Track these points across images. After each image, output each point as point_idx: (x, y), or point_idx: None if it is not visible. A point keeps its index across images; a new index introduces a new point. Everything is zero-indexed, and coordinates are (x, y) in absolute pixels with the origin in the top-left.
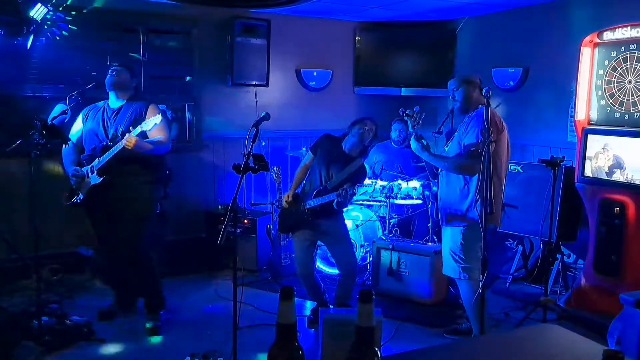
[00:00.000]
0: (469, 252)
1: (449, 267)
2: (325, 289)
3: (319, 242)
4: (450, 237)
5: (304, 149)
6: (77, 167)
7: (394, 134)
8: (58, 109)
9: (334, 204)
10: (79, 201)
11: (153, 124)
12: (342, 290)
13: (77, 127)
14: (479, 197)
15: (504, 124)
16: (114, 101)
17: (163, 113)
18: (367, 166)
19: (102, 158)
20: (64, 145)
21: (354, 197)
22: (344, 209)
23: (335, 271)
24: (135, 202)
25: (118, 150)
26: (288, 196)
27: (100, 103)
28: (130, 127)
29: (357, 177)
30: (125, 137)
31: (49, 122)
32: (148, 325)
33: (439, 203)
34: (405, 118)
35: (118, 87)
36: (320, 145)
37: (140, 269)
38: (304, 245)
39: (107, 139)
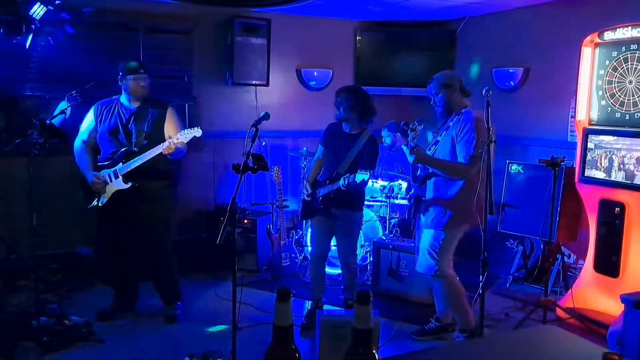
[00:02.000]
0: (446, 251)
1: (425, 265)
2: (325, 291)
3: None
4: (432, 236)
5: (305, 148)
6: (97, 173)
7: (384, 140)
8: (61, 106)
9: (342, 187)
10: (100, 205)
11: (192, 136)
12: (346, 287)
13: (88, 123)
14: (467, 197)
15: (491, 127)
16: (127, 101)
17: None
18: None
19: (128, 163)
20: (74, 143)
21: (365, 175)
22: (363, 203)
23: (337, 271)
24: (159, 205)
25: (152, 157)
26: (306, 189)
27: (112, 99)
28: (170, 136)
29: (369, 152)
30: (165, 145)
31: (48, 122)
32: (167, 313)
33: (425, 204)
34: (410, 133)
35: (144, 96)
36: (326, 136)
37: (164, 265)
38: (319, 231)
39: (129, 144)
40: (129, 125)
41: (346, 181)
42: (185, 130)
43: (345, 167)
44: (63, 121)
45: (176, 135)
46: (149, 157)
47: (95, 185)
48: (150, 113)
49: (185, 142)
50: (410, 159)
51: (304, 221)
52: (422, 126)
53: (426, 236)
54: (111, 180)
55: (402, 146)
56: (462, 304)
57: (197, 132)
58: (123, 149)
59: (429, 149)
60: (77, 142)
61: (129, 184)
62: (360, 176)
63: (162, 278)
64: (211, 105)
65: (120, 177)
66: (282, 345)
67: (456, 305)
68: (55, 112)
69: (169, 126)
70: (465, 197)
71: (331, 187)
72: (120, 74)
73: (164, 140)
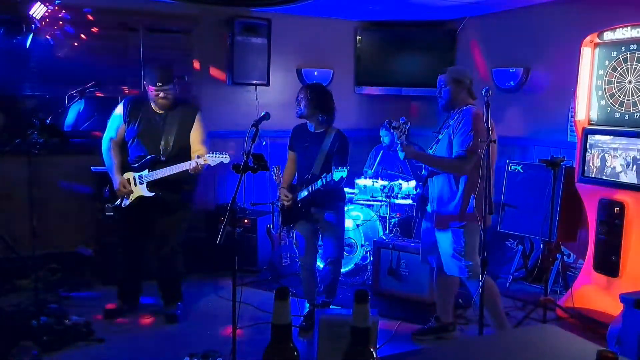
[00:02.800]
0: (472, 248)
1: (454, 267)
2: (320, 292)
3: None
4: (452, 238)
5: None
6: (124, 180)
7: (383, 139)
8: (75, 108)
9: (321, 187)
10: (123, 207)
11: (219, 162)
12: (327, 287)
13: (117, 121)
14: (472, 195)
15: (493, 123)
16: (154, 106)
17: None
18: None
19: (153, 172)
20: (102, 140)
21: (342, 173)
22: (346, 202)
23: None
24: (179, 213)
25: (177, 172)
26: (285, 195)
27: (142, 98)
28: (197, 158)
29: (339, 149)
30: (192, 165)
31: (48, 121)
32: (168, 313)
33: (432, 206)
34: (392, 130)
35: (168, 106)
36: (293, 139)
37: (172, 266)
38: (305, 235)
39: (157, 152)
40: (158, 131)
41: (324, 181)
42: (214, 154)
43: (319, 167)
44: (77, 116)
45: (204, 156)
46: (173, 172)
47: (119, 192)
48: (179, 119)
49: (212, 165)
50: (401, 155)
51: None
52: (408, 124)
53: (444, 240)
54: (136, 184)
55: (399, 150)
56: (499, 306)
57: (225, 158)
58: (150, 156)
59: (431, 148)
60: (105, 140)
61: (153, 193)
62: (337, 174)
63: (168, 278)
64: (211, 105)
65: (145, 183)
66: (280, 344)
67: (493, 307)
68: (70, 113)
69: (195, 133)
70: (470, 195)
71: (309, 189)
72: (145, 81)
73: (189, 147)
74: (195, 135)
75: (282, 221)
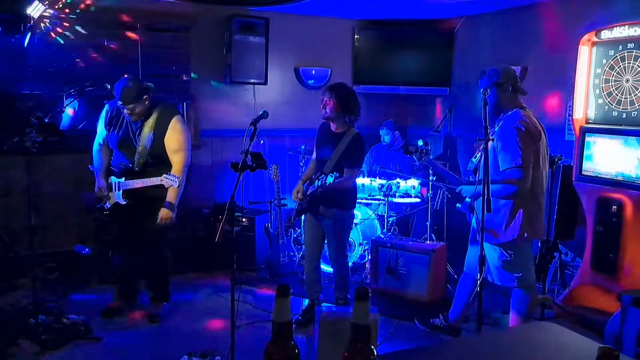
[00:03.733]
0: (519, 262)
1: (503, 278)
2: (322, 289)
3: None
4: (499, 251)
5: (303, 147)
6: (104, 185)
7: (383, 138)
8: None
9: (319, 187)
10: (106, 208)
11: (170, 185)
12: (337, 286)
13: (100, 128)
14: (519, 210)
15: (543, 130)
16: None
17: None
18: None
19: (127, 182)
20: (93, 143)
21: (330, 178)
22: (354, 202)
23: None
24: (153, 223)
25: (147, 185)
26: (296, 190)
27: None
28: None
29: (352, 150)
30: (160, 180)
31: (46, 120)
32: (152, 312)
33: (477, 217)
34: (408, 155)
35: (138, 119)
36: (317, 136)
37: (159, 267)
38: (311, 229)
39: (132, 162)
40: (135, 141)
41: (320, 182)
42: (168, 176)
43: (330, 166)
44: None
45: (162, 176)
46: (142, 185)
47: (97, 195)
48: (154, 127)
49: (166, 186)
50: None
51: (299, 219)
52: (428, 146)
53: (491, 251)
54: (115, 190)
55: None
56: (532, 313)
57: (175, 183)
58: (126, 165)
59: (475, 156)
60: (95, 144)
61: (126, 202)
62: (330, 178)
63: (155, 279)
64: (210, 104)
65: (121, 191)
66: (281, 341)
67: (529, 314)
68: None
69: (169, 140)
70: (518, 210)
71: (311, 188)
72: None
73: (166, 155)
74: (170, 143)
75: (295, 212)
